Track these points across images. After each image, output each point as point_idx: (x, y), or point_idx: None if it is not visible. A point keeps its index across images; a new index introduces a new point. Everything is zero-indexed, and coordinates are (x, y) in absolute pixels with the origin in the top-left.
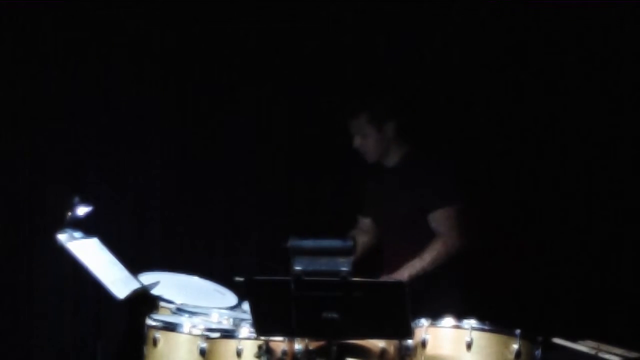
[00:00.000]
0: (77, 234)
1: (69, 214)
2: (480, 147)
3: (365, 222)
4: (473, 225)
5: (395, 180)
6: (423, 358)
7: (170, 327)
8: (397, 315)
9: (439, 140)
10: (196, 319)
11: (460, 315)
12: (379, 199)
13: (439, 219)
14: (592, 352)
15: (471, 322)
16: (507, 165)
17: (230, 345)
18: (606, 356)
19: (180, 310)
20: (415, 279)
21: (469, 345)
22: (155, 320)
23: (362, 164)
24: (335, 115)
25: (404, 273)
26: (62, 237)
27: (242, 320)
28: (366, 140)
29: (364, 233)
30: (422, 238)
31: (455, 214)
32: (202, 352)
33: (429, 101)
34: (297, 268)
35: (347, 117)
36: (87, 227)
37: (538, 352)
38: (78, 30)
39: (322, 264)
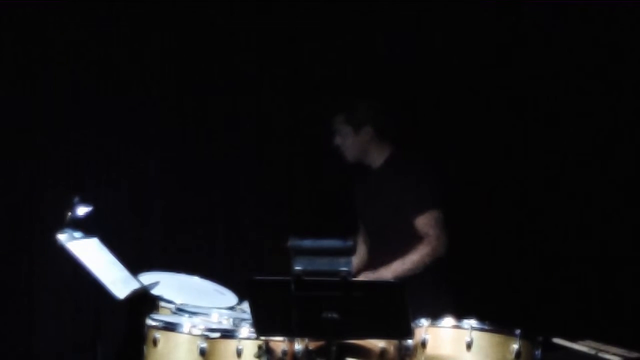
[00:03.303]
0: (77, 234)
1: (69, 214)
2: (479, 147)
3: (361, 227)
4: (454, 228)
5: (379, 182)
6: (423, 358)
7: (170, 327)
8: (397, 315)
9: (423, 142)
10: (196, 319)
11: (460, 315)
12: (366, 201)
13: (425, 222)
14: (592, 352)
15: (471, 322)
16: (507, 165)
17: (230, 345)
18: (606, 356)
19: (180, 310)
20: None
21: (469, 345)
22: (155, 320)
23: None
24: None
25: (387, 273)
26: (62, 237)
27: (242, 320)
28: (344, 140)
29: (363, 243)
30: (404, 241)
31: (440, 217)
32: (202, 352)
33: (413, 103)
34: (297, 268)
35: (328, 115)
36: (87, 227)
37: (538, 352)
38: (78, 30)
39: (322, 264)
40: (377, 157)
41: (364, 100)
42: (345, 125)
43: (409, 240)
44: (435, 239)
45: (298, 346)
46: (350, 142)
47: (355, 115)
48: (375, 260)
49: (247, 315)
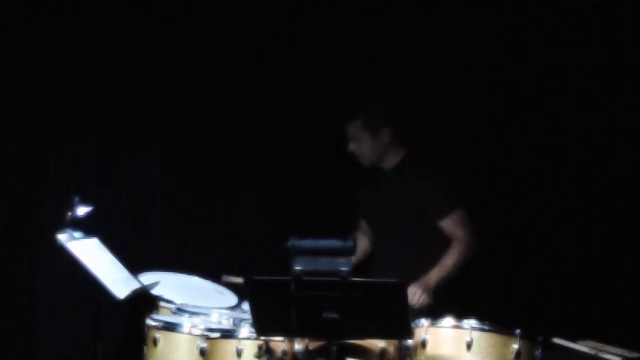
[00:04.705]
0: (77, 234)
1: (69, 214)
2: (479, 148)
3: (363, 224)
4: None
5: (393, 183)
6: (423, 358)
7: (170, 327)
8: (397, 315)
9: (436, 143)
10: (196, 319)
11: (460, 315)
12: (375, 201)
13: (453, 223)
14: (592, 352)
15: (471, 322)
16: (507, 165)
17: (230, 345)
18: (606, 356)
19: (180, 310)
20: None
21: (469, 345)
22: (155, 320)
23: (359, 166)
24: (335, 115)
25: (431, 279)
26: (62, 237)
27: (242, 320)
28: (361, 145)
29: (364, 236)
30: (419, 240)
31: (466, 216)
32: (202, 352)
33: (427, 104)
34: (297, 268)
35: (343, 121)
36: (87, 227)
37: (538, 352)
38: (78, 31)
39: (322, 264)
40: (391, 159)
41: (379, 102)
42: (362, 131)
43: (427, 240)
44: (465, 238)
45: (298, 346)
46: (369, 147)
47: (374, 118)
48: (385, 260)
49: (247, 315)
